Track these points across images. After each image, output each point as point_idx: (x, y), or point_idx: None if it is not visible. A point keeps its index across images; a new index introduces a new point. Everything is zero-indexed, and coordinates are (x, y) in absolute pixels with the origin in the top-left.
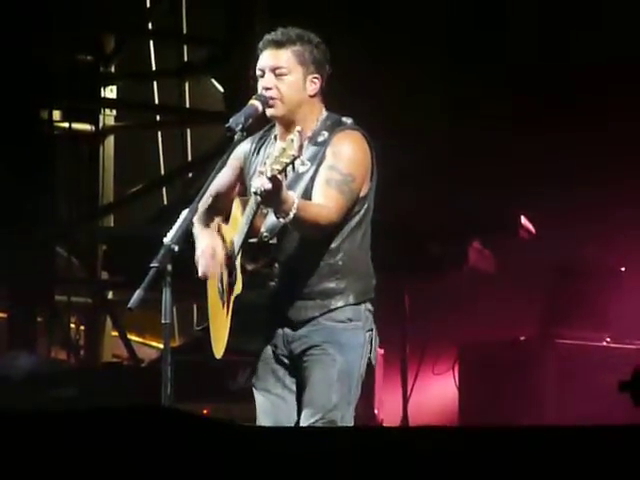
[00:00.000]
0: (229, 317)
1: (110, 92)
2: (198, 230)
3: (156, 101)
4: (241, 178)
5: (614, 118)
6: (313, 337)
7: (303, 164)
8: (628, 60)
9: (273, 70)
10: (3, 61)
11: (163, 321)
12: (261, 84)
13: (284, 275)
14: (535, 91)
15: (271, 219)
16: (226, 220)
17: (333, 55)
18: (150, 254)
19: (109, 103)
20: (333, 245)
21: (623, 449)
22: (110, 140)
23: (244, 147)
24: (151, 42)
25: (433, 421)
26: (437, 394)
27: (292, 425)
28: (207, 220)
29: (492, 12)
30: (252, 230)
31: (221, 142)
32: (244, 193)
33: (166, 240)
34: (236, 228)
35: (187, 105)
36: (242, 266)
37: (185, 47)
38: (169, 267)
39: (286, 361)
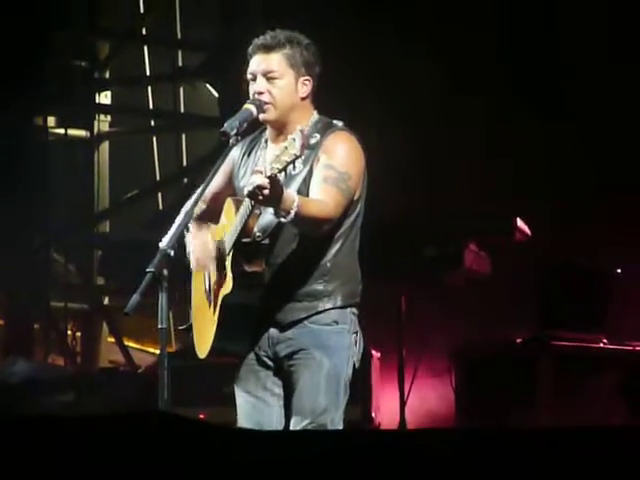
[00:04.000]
0: (216, 316)
1: (105, 98)
2: (192, 232)
3: (151, 106)
4: (231, 182)
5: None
6: (299, 340)
7: (295, 167)
8: None
9: (265, 74)
10: None
11: (159, 326)
12: (253, 89)
13: (273, 276)
14: (528, 87)
15: (265, 219)
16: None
17: (325, 56)
18: (146, 259)
19: (104, 109)
20: (323, 247)
21: (619, 450)
22: (105, 146)
23: (234, 152)
24: (145, 47)
25: (430, 424)
26: (434, 396)
27: (272, 427)
28: (200, 226)
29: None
30: (244, 230)
31: (216, 147)
32: (234, 195)
33: (162, 245)
34: (227, 228)
35: (182, 110)
36: (233, 266)
37: (179, 52)
38: (165, 272)
39: (269, 363)
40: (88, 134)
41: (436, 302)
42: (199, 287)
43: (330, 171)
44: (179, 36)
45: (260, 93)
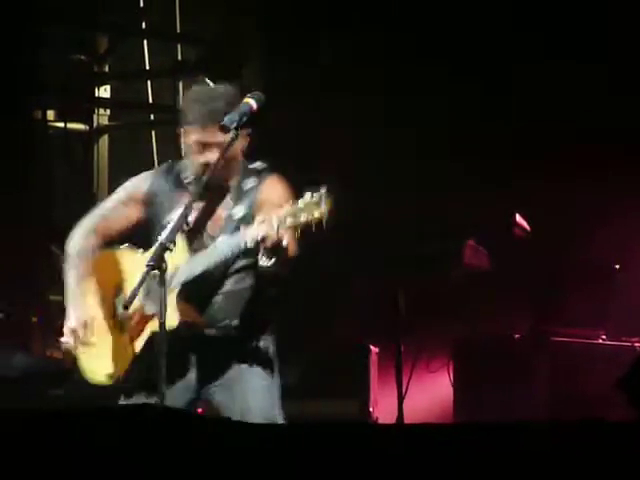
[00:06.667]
0: (137, 346)
1: (104, 92)
2: (74, 283)
3: (150, 100)
4: (147, 212)
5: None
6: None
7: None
8: None
9: (214, 145)
10: None
11: (159, 320)
12: (205, 158)
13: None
14: (526, 88)
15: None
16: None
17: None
18: None
19: (103, 103)
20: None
21: (616, 444)
22: (104, 139)
23: (147, 183)
24: (145, 41)
25: (428, 419)
26: (432, 392)
27: None
28: (91, 254)
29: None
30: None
31: None
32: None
33: (161, 239)
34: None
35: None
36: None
37: (179, 46)
38: (165, 265)
39: None
40: (87, 128)
41: (434, 298)
42: (107, 305)
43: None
44: (179, 30)
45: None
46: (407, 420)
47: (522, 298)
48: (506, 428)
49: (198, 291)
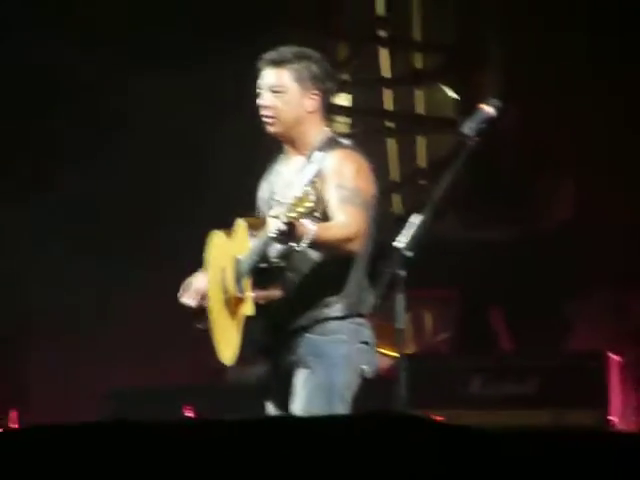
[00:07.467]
0: (239, 332)
1: (345, 100)
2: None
3: (389, 108)
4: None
5: None
6: (299, 351)
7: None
8: None
9: (271, 88)
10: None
11: (397, 327)
12: (259, 102)
13: (287, 292)
14: None
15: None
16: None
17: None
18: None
19: (344, 110)
20: (340, 265)
21: None
22: None
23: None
24: (384, 49)
25: None
26: None
27: None
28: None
29: None
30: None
31: (454, 149)
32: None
33: (398, 245)
34: (241, 248)
35: (419, 112)
36: (253, 290)
37: (418, 54)
38: (402, 273)
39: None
40: None
41: None
42: (217, 296)
43: (341, 190)
44: (418, 38)
45: (265, 107)
46: None
47: None
48: None
49: (264, 275)
